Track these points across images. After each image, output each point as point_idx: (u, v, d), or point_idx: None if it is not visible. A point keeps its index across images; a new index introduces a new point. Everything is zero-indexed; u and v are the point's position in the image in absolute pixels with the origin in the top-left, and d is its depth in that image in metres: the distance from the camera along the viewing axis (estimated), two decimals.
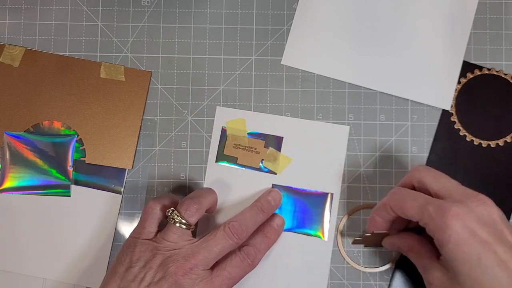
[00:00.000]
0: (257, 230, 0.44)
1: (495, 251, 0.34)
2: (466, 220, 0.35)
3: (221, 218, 0.47)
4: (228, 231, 0.41)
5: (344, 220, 0.46)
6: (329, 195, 0.46)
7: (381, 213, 0.41)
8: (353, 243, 0.45)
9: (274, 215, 0.46)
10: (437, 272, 0.37)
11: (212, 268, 0.41)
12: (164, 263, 0.39)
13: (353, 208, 0.46)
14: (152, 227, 0.41)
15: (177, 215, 0.41)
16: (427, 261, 0.39)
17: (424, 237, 0.40)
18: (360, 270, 0.46)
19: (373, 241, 0.44)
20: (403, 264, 0.46)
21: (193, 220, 0.41)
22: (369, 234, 0.42)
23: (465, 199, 0.36)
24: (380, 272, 0.46)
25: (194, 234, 0.42)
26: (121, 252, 0.41)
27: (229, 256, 0.41)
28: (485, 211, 0.36)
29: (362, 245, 0.46)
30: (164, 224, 0.42)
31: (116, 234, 0.47)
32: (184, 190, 0.47)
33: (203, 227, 0.47)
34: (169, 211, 0.41)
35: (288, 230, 0.46)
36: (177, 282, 0.38)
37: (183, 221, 0.40)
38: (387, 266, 0.46)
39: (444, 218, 0.35)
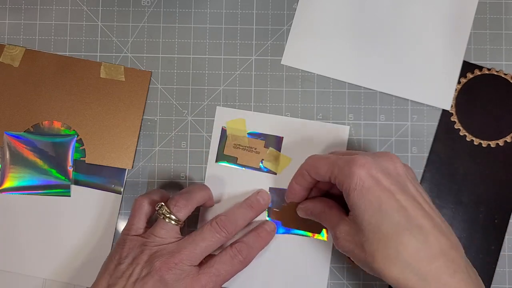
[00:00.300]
0: (250, 231, 0.44)
1: (396, 199, 0.36)
2: (372, 170, 0.37)
3: None
4: (216, 225, 0.41)
5: None
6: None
7: (299, 180, 0.42)
8: (271, 216, 0.46)
9: (265, 221, 0.46)
10: (344, 225, 0.39)
11: (201, 264, 0.40)
12: (150, 259, 0.39)
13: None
14: (140, 223, 0.42)
15: (166, 210, 0.41)
16: (337, 219, 0.40)
17: (333, 200, 0.42)
18: (360, 270, 0.46)
19: (291, 215, 0.46)
20: None
21: (181, 215, 0.41)
22: (285, 205, 0.45)
23: (372, 154, 0.39)
24: None
25: (185, 233, 0.42)
26: (113, 249, 0.42)
27: (219, 253, 0.41)
28: (391, 165, 0.38)
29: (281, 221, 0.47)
30: (154, 220, 0.42)
31: (116, 234, 0.47)
32: None
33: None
34: (158, 205, 0.41)
35: (288, 231, 0.46)
36: (162, 278, 0.38)
37: (172, 216, 0.40)
38: None
39: (351, 167, 0.37)
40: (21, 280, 0.47)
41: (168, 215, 0.40)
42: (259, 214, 0.46)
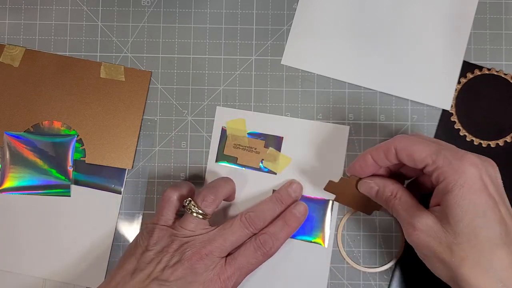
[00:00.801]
0: (278, 218, 0.43)
1: (499, 210, 0.35)
2: (482, 173, 0.35)
3: (221, 217, 0.47)
4: (245, 221, 0.42)
5: (344, 219, 0.46)
6: (330, 202, 0.46)
7: (379, 156, 0.39)
8: (326, 188, 0.43)
9: (297, 202, 0.44)
10: (428, 219, 0.36)
11: (227, 256, 0.41)
12: (181, 248, 0.40)
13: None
14: (170, 215, 0.42)
15: (194, 206, 0.41)
16: (415, 208, 0.37)
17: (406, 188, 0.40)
18: (360, 270, 0.46)
19: (347, 189, 0.42)
20: (403, 264, 0.46)
21: (209, 210, 0.41)
22: (344, 177, 0.42)
23: (478, 155, 0.36)
24: (380, 272, 0.46)
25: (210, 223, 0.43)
26: (139, 235, 0.42)
27: (244, 245, 0.42)
28: (494, 172, 0.36)
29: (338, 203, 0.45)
30: (182, 212, 0.42)
31: (116, 234, 0.47)
32: None
33: (216, 218, 0.46)
34: (186, 201, 0.42)
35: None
36: (192, 267, 0.39)
37: (200, 211, 0.41)
38: (387, 266, 0.46)
39: (463, 163, 0.35)
40: (21, 280, 0.47)
41: (196, 210, 0.41)
42: (289, 206, 0.44)
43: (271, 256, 0.42)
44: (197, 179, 0.47)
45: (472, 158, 0.35)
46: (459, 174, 0.34)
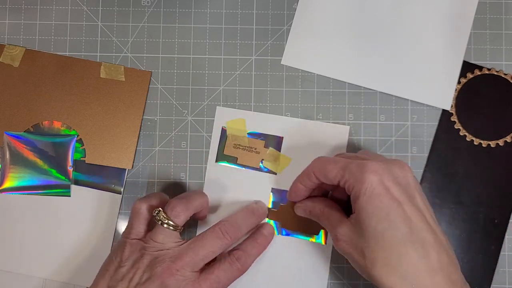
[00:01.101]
0: (248, 237, 0.44)
1: (404, 209, 0.36)
2: (383, 177, 0.37)
3: (220, 218, 0.47)
4: (218, 230, 0.41)
5: None
6: None
7: (304, 181, 0.42)
8: (269, 217, 0.46)
9: (263, 223, 0.46)
10: (346, 227, 0.39)
11: (201, 270, 0.40)
12: (152, 264, 0.39)
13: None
14: (140, 227, 0.41)
15: (163, 216, 0.40)
16: (337, 220, 0.40)
17: (333, 201, 0.43)
18: None
19: (289, 215, 0.46)
20: None
21: (179, 220, 0.40)
22: (283, 205, 0.45)
23: (384, 160, 0.39)
24: None
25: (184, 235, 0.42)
26: (112, 251, 0.42)
27: (218, 260, 0.41)
28: (401, 173, 0.38)
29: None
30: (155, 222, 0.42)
31: (116, 234, 0.47)
32: (184, 190, 0.47)
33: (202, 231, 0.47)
34: (155, 211, 0.41)
35: (288, 234, 0.46)
36: (163, 284, 0.38)
37: (170, 222, 0.40)
38: None
39: (363, 172, 0.37)
40: (21, 280, 0.47)
41: (165, 221, 0.40)
42: (261, 220, 0.46)
43: (244, 272, 0.42)
44: (197, 179, 0.47)
45: (373, 165, 0.37)
46: (361, 183, 0.37)
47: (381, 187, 0.36)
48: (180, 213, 0.40)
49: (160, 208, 0.41)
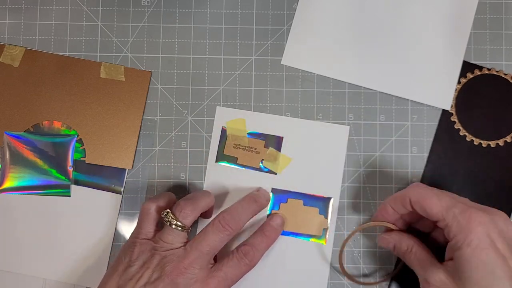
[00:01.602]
0: (257, 230, 0.44)
1: (509, 266, 0.35)
2: (490, 230, 0.36)
3: None
4: (218, 224, 0.41)
5: (351, 237, 0.46)
6: (330, 200, 0.46)
7: (396, 205, 0.41)
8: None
9: (274, 214, 0.46)
10: (441, 274, 0.37)
11: (212, 266, 0.41)
12: (161, 263, 0.40)
13: (364, 223, 0.44)
14: (149, 227, 0.42)
15: (172, 217, 0.41)
16: (428, 263, 0.39)
17: (421, 241, 0.41)
18: (359, 269, 0.46)
19: (290, 215, 0.46)
20: (402, 265, 0.46)
21: (187, 221, 0.41)
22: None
23: (485, 209, 0.37)
24: (380, 272, 0.46)
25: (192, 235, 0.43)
26: (121, 251, 0.42)
27: (226, 256, 0.42)
28: (505, 226, 0.37)
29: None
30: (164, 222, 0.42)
31: (116, 234, 0.47)
32: (184, 190, 0.48)
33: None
34: (163, 213, 0.41)
35: (288, 234, 0.46)
36: (173, 282, 0.39)
37: (178, 223, 0.41)
38: (385, 277, 0.46)
39: (470, 222, 0.36)
40: (21, 280, 0.47)
41: (174, 222, 0.41)
42: (264, 207, 0.45)
43: (253, 267, 0.42)
44: (197, 179, 0.47)
45: (480, 216, 0.36)
46: (466, 233, 0.36)
47: (488, 241, 0.35)
48: (188, 214, 0.41)
49: (169, 210, 0.41)
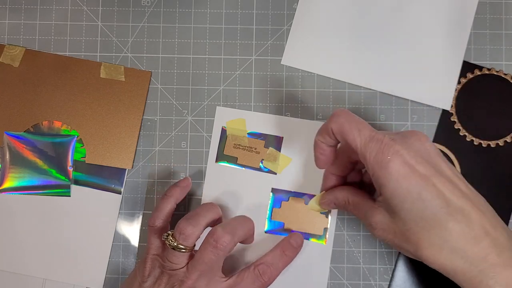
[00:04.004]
0: (276, 247, 0.43)
1: (433, 184, 0.35)
2: (405, 157, 0.35)
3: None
4: (211, 241, 0.40)
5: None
6: None
7: (324, 138, 0.40)
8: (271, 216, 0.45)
9: (294, 234, 0.44)
10: (379, 215, 0.37)
11: (227, 277, 0.41)
12: (170, 282, 0.40)
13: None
14: (156, 242, 0.42)
15: (172, 240, 0.40)
16: (367, 207, 0.39)
17: (356, 187, 0.42)
18: (359, 269, 0.46)
19: (292, 213, 0.46)
20: (403, 264, 0.46)
21: (189, 243, 0.40)
22: (285, 202, 0.45)
23: (401, 136, 0.37)
24: (380, 271, 0.46)
25: None
26: (136, 267, 0.43)
27: (240, 274, 0.41)
28: (422, 146, 0.36)
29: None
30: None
31: (116, 234, 0.47)
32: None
33: None
34: (164, 236, 0.41)
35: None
36: None
37: (180, 246, 0.40)
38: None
39: (385, 156, 0.35)
40: (21, 280, 0.47)
41: (175, 245, 0.40)
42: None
43: (269, 285, 0.42)
44: (197, 179, 0.47)
45: (393, 146, 0.35)
46: (385, 168, 0.35)
47: (406, 168, 0.35)
48: (189, 235, 0.40)
49: (170, 232, 0.41)
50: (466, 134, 0.47)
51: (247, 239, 0.43)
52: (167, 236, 0.41)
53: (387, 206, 0.37)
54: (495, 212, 0.36)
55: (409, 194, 0.35)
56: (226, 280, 0.41)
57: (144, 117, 0.48)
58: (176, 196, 0.44)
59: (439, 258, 0.34)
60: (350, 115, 0.38)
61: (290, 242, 0.44)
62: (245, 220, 0.43)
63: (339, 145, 0.41)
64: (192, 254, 0.41)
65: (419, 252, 0.35)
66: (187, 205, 0.47)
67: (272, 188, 0.47)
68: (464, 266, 0.34)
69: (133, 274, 0.43)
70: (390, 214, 0.37)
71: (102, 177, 0.48)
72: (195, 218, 0.41)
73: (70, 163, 0.47)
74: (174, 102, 0.48)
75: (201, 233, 0.41)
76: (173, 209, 0.44)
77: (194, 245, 0.41)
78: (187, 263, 0.40)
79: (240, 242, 0.42)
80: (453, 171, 0.36)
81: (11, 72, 0.48)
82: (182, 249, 0.40)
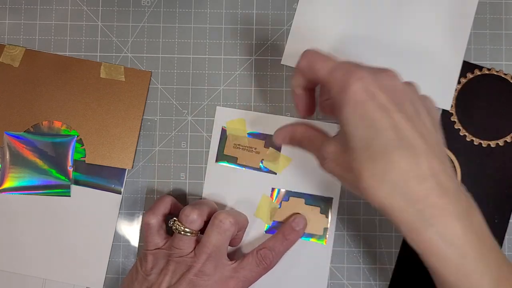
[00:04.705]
0: (278, 231, 0.45)
1: (391, 117, 0.33)
2: (369, 84, 0.33)
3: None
4: (219, 223, 0.41)
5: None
6: (332, 200, 0.46)
7: (298, 78, 0.39)
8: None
9: (297, 216, 0.46)
10: (331, 145, 0.36)
11: (231, 260, 0.42)
12: (177, 269, 0.41)
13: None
14: (156, 239, 0.42)
15: (179, 225, 0.41)
16: (321, 140, 0.38)
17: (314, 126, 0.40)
18: (359, 269, 0.46)
19: (290, 212, 0.46)
20: (403, 264, 0.46)
21: (195, 226, 0.41)
22: (285, 202, 0.45)
23: (371, 68, 0.35)
24: (380, 271, 0.46)
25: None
26: (137, 262, 0.43)
27: (245, 259, 0.42)
28: (391, 82, 0.34)
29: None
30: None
31: (116, 234, 0.47)
32: (184, 190, 0.48)
33: None
34: (170, 222, 0.42)
35: None
36: (192, 282, 0.40)
37: (186, 229, 0.41)
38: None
39: (348, 78, 0.34)
40: (21, 280, 0.47)
41: (182, 229, 0.41)
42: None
43: (271, 268, 0.43)
44: (197, 179, 0.47)
45: (360, 72, 0.34)
46: (345, 91, 0.33)
47: (366, 94, 0.33)
48: (195, 219, 0.41)
49: (175, 218, 0.42)
50: (466, 134, 0.47)
51: (239, 233, 0.44)
52: (174, 221, 0.42)
53: (342, 138, 0.35)
54: (449, 161, 0.35)
55: (363, 121, 0.33)
56: (232, 264, 0.42)
57: (144, 117, 0.48)
58: (171, 198, 0.45)
59: (378, 191, 0.32)
60: (318, 51, 0.37)
61: (291, 225, 0.45)
62: (241, 212, 0.46)
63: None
64: (197, 239, 0.42)
65: (361, 183, 0.33)
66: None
67: (272, 188, 0.47)
68: (403, 204, 0.32)
69: (134, 271, 0.43)
70: (343, 145, 0.35)
71: (102, 177, 0.48)
72: (200, 205, 0.42)
73: (70, 163, 0.47)
74: (174, 102, 0.48)
75: (205, 219, 0.42)
76: (170, 208, 0.44)
77: (199, 232, 0.42)
78: (194, 247, 0.41)
79: (230, 243, 0.43)
80: (417, 112, 0.34)
81: (11, 72, 0.48)
82: (189, 232, 0.41)
